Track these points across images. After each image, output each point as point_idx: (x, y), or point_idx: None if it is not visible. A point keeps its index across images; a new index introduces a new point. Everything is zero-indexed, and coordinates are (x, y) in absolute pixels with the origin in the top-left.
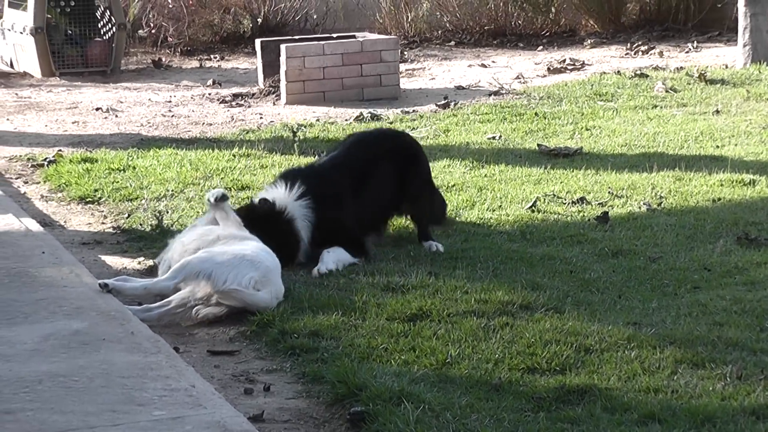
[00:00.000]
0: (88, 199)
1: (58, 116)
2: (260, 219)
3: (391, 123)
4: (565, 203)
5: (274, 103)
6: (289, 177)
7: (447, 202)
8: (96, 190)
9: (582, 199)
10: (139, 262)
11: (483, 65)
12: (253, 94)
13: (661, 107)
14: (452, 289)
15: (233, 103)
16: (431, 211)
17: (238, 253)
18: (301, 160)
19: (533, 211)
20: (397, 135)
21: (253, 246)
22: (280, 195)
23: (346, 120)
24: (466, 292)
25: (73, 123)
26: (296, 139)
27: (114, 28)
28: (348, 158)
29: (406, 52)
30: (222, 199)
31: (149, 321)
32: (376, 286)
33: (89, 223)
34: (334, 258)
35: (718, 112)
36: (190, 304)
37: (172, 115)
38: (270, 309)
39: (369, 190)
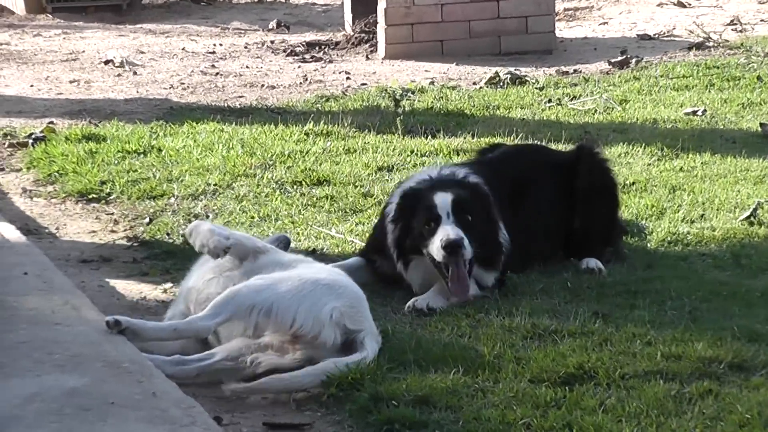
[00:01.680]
0: (91, 196)
1: (49, 72)
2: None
3: (541, 89)
4: None
5: (367, 57)
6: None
7: (624, 206)
8: (103, 183)
9: None
10: (166, 290)
11: (680, 3)
12: (337, 44)
13: None
14: (628, 339)
15: (307, 57)
16: (607, 228)
17: (308, 277)
18: (406, 143)
19: (752, 224)
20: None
21: (325, 268)
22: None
23: (475, 84)
24: (648, 344)
25: (71, 82)
26: (400, 110)
27: None
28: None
29: None
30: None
31: (182, 379)
32: (514, 332)
33: (93, 231)
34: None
35: None
36: (243, 357)
37: (217, 73)
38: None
39: (535, 212)
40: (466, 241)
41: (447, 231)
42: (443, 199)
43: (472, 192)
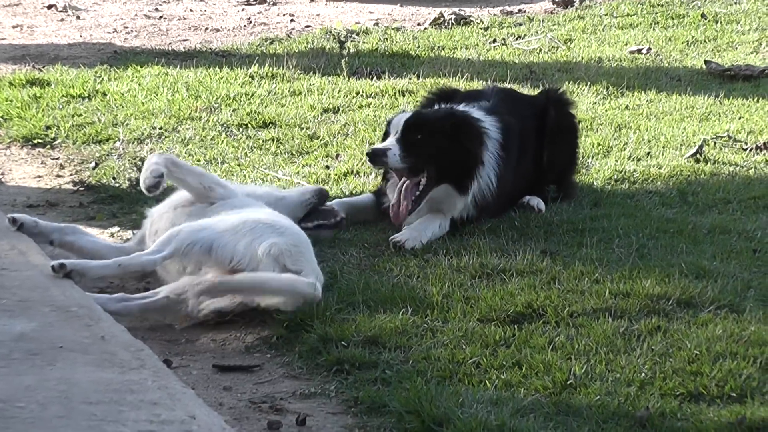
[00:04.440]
0: (36, 141)
1: None
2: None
3: (485, 29)
4: (746, 149)
5: None
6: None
7: None
8: (48, 128)
9: None
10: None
11: None
12: None
13: None
14: (577, 277)
15: None
16: (570, 162)
17: (248, 218)
18: (351, 85)
19: (698, 161)
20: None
21: (269, 212)
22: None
23: (419, 24)
24: (597, 281)
25: (13, 27)
26: (344, 52)
27: None
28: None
29: None
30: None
31: (127, 316)
32: (463, 272)
33: (39, 176)
34: (431, 228)
35: None
36: (187, 296)
37: (161, 16)
38: (312, 300)
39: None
40: (392, 152)
41: (380, 144)
42: (399, 119)
43: (442, 117)
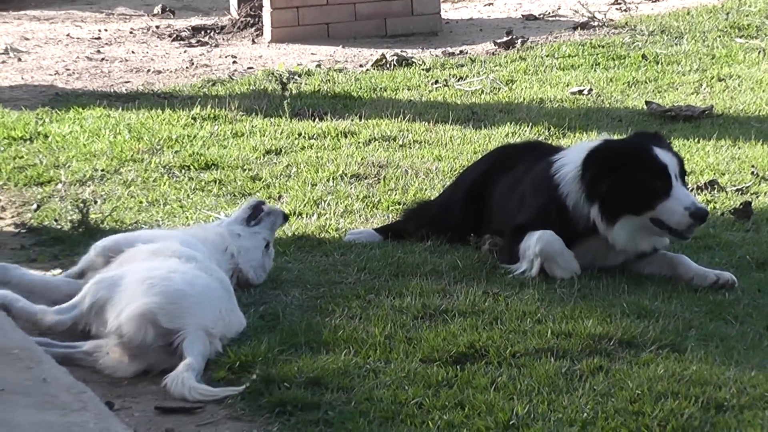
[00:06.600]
0: None
1: None
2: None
3: (427, 70)
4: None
5: (253, 41)
6: None
7: None
8: None
9: (712, 183)
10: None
11: None
12: (223, 28)
13: None
14: (519, 317)
15: (193, 41)
16: None
17: (127, 275)
18: (293, 126)
19: None
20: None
21: (172, 264)
22: None
23: (361, 66)
24: (539, 321)
25: None
26: (287, 94)
27: None
28: None
29: None
30: None
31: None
32: (405, 312)
33: None
34: None
35: None
36: (99, 353)
37: (103, 59)
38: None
39: None
40: None
41: (689, 197)
42: (670, 160)
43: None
